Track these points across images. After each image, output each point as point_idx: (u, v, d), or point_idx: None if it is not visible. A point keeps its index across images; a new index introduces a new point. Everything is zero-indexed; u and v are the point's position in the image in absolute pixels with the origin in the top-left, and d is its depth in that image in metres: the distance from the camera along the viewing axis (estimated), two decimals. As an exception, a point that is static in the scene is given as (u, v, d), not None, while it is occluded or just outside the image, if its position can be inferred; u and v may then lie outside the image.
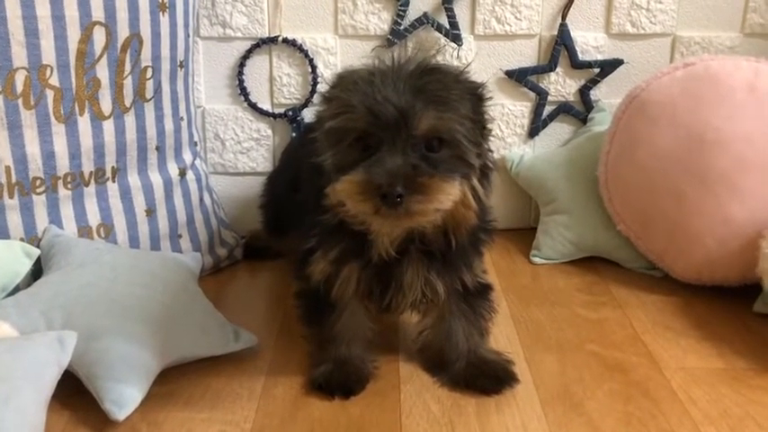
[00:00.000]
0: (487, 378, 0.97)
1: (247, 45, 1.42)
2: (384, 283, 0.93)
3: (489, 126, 0.88)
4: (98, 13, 1.09)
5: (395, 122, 0.80)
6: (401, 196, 0.78)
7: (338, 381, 0.95)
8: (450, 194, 0.82)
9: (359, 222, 0.87)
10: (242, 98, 1.45)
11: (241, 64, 1.42)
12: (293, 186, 1.10)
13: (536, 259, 1.40)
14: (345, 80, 0.85)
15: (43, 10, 1.04)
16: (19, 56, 1.04)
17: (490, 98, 0.89)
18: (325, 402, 0.94)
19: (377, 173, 0.79)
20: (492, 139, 0.90)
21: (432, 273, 0.93)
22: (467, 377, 0.97)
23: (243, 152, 1.48)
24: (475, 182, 0.87)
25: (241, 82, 1.43)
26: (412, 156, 0.81)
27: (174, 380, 0.97)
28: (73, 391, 0.91)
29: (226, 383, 0.98)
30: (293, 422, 0.91)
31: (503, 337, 1.11)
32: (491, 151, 0.90)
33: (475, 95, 0.86)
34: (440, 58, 0.89)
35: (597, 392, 0.97)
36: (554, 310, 1.21)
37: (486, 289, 1.01)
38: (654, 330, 1.14)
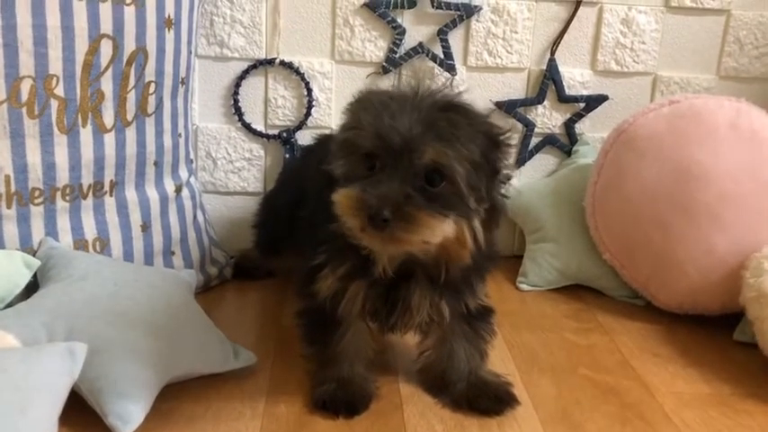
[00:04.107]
0: (489, 399, 0.98)
1: (244, 66, 1.43)
2: (391, 303, 0.94)
3: (505, 171, 0.87)
4: (107, 25, 1.09)
5: (398, 149, 0.81)
6: (387, 221, 0.79)
7: (342, 399, 0.95)
8: (435, 230, 0.82)
9: (353, 236, 0.87)
10: (236, 118, 1.45)
11: (237, 84, 1.43)
12: (295, 204, 1.11)
13: (523, 286, 1.43)
14: (364, 99, 0.87)
15: (53, 20, 1.03)
16: (26, 64, 1.03)
17: (509, 145, 0.87)
18: (329, 421, 0.94)
19: (370, 193, 0.81)
20: (509, 184, 0.90)
21: (438, 296, 0.94)
22: (468, 398, 0.98)
23: (234, 171, 1.48)
24: (476, 223, 0.85)
25: (236, 102, 1.44)
26: (410, 184, 0.81)
27: (174, 397, 0.95)
28: (68, 406, 0.88)
29: (227, 402, 0.97)
30: (299, 440, 0.90)
31: (498, 360, 1.13)
32: (503, 195, 0.90)
33: (490, 140, 0.85)
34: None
35: (595, 414, 0.99)
36: (544, 335, 1.23)
37: (487, 312, 1.03)
38: (641, 356, 1.17)
